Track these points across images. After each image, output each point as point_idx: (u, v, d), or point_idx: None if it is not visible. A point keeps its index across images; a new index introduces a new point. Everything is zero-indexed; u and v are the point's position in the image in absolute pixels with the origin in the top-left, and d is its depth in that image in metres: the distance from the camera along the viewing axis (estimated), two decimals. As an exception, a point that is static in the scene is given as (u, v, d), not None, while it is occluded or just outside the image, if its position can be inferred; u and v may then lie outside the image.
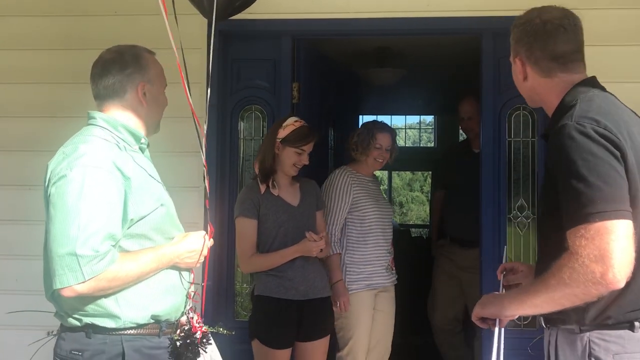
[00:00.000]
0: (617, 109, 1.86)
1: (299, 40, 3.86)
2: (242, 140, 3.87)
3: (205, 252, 2.20)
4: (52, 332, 2.20)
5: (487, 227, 3.68)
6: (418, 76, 6.10)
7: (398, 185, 20.16)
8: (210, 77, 2.37)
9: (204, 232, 2.22)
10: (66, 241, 1.89)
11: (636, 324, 1.78)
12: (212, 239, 2.25)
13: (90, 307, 2.00)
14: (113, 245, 1.96)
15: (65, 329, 2.08)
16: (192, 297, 2.22)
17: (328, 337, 3.43)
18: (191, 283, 2.23)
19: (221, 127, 3.76)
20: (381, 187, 4.14)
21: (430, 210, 5.48)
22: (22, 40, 3.79)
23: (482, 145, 3.76)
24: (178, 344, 2.11)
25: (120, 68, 2.16)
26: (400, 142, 3.83)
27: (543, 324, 1.96)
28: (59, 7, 3.77)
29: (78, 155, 1.99)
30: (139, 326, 2.05)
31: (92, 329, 2.02)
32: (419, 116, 13.91)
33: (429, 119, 13.41)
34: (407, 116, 12.75)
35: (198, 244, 2.18)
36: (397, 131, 4.12)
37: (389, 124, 4.08)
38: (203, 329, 2.16)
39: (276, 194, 3.33)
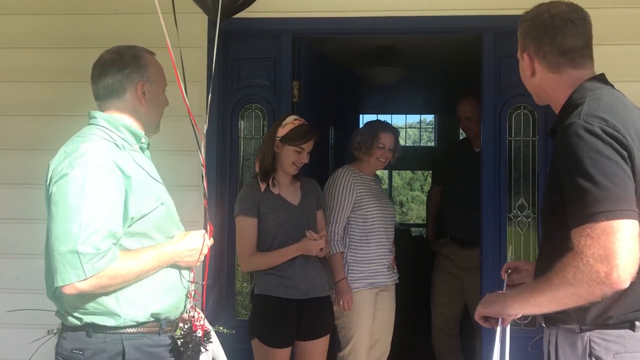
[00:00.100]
0: (626, 109, 1.84)
1: (300, 39, 3.86)
2: (242, 139, 3.87)
3: (205, 251, 2.21)
4: (52, 330, 2.21)
5: (488, 226, 3.68)
6: (418, 75, 6.10)
7: (398, 185, 20.17)
8: (208, 83, 2.37)
9: (203, 231, 2.23)
10: (68, 239, 1.90)
11: (637, 323, 1.78)
12: (211, 238, 2.26)
13: (91, 305, 2.01)
14: (114, 244, 1.97)
15: (66, 328, 2.09)
16: (192, 296, 2.23)
17: (328, 337, 3.43)
18: (191, 282, 2.23)
19: (221, 126, 3.76)
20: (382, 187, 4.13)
21: (426, 205, 5.45)
22: (22, 39, 3.79)
23: (482, 144, 3.76)
24: (179, 342, 2.11)
25: (119, 68, 2.18)
26: (401, 142, 3.83)
27: (543, 324, 1.96)
28: (59, 6, 3.77)
29: (79, 154, 2.01)
30: (139, 324, 2.06)
31: (92, 328, 2.03)
32: (419, 115, 13.93)
33: (430, 118, 13.42)
34: (407, 115, 12.75)
35: (198, 242, 2.19)
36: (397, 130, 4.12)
37: (389, 123, 4.09)
38: (204, 328, 2.16)
39: (276, 193, 3.33)
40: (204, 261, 2.25)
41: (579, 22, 1.94)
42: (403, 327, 4.70)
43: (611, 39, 3.36)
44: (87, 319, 2.02)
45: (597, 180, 1.66)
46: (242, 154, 3.87)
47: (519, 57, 2.04)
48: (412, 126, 14.69)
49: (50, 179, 2.02)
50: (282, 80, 3.79)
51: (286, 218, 3.31)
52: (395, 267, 3.86)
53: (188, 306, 2.21)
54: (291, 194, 3.39)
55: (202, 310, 2.29)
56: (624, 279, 1.63)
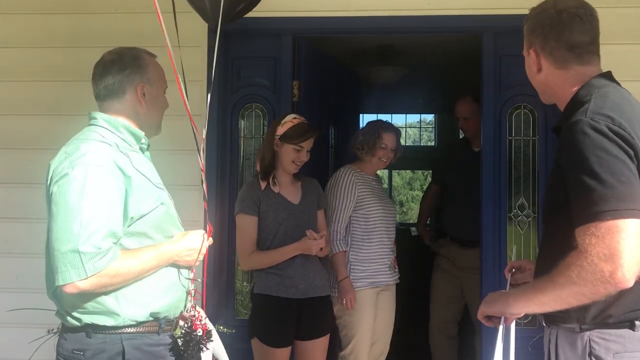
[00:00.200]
0: (632, 107, 1.83)
1: (300, 38, 3.86)
2: (242, 138, 3.86)
3: (204, 250, 2.22)
4: (53, 330, 2.22)
5: (488, 226, 3.68)
6: (419, 75, 6.10)
7: (398, 184, 20.17)
8: (214, 76, 2.37)
9: (203, 231, 2.24)
10: (68, 238, 1.91)
11: (637, 323, 1.78)
12: (210, 238, 2.26)
13: (91, 305, 2.02)
14: (115, 243, 1.98)
15: (66, 329, 2.09)
16: (192, 295, 2.23)
17: (328, 336, 3.43)
18: (192, 281, 2.23)
19: (221, 126, 3.76)
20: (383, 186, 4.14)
21: (421, 201, 5.43)
22: (22, 38, 3.79)
23: (482, 144, 3.76)
24: (179, 341, 2.12)
25: (120, 69, 2.19)
26: (401, 141, 3.83)
27: (543, 323, 1.96)
28: (59, 5, 3.77)
29: (80, 154, 2.02)
30: (138, 324, 2.07)
31: (92, 329, 2.03)
32: (419, 115, 13.92)
33: (430, 117, 13.42)
34: (407, 115, 12.75)
35: (197, 242, 2.20)
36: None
37: (391, 123, 4.09)
38: (205, 327, 2.17)
39: (276, 191, 3.33)
40: (203, 261, 2.25)
41: (587, 17, 1.92)
42: (403, 326, 4.69)
43: (616, 39, 3.36)
44: (87, 319, 2.03)
45: (602, 179, 1.65)
46: (242, 154, 3.87)
47: (524, 54, 2.03)
48: (412, 126, 14.70)
49: (51, 178, 2.02)
50: (282, 80, 3.79)
51: (286, 217, 3.31)
52: (397, 267, 3.87)
53: (188, 305, 2.21)
54: (292, 193, 3.39)
55: (202, 309, 2.29)
56: (629, 278, 1.62)
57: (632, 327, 1.78)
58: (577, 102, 1.86)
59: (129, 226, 2.06)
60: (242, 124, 3.86)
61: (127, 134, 2.19)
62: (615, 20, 3.40)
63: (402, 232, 7.19)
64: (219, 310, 3.64)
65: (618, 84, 1.94)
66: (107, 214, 1.97)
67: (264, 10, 3.25)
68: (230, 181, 3.80)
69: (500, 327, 1.94)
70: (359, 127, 7.16)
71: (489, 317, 1.99)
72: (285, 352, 3.29)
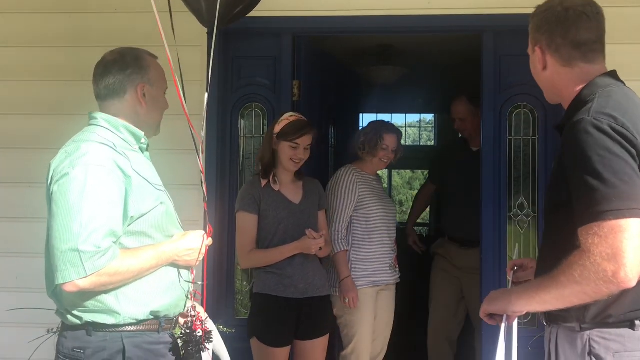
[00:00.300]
0: (636, 107, 1.82)
1: (300, 37, 3.86)
2: (242, 138, 3.86)
3: (203, 250, 2.22)
4: (52, 329, 2.22)
5: (488, 225, 3.68)
6: (418, 74, 6.10)
7: (398, 184, 20.17)
8: (209, 81, 2.37)
9: (202, 232, 2.24)
10: (68, 237, 1.92)
11: (637, 322, 1.78)
12: (210, 239, 2.27)
13: (91, 303, 2.02)
14: (114, 242, 1.99)
15: (66, 327, 2.10)
16: (193, 296, 2.24)
17: (327, 336, 3.43)
18: (192, 282, 2.24)
19: (221, 125, 3.75)
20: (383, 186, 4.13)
21: (414, 199, 5.41)
22: (22, 37, 3.79)
23: (482, 143, 3.76)
24: (179, 342, 2.12)
25: (121, 68, 2.20)
26: (401, 141, 3.83)
27: (544, 322, 1.96)
28: (59, 5, 3.77)
29: (80, 154, 2.02)
30: (139, 322, 2.07)
31: (92, 327, 2.04)
32: (419, 114, 13.92)
33: (429, 117, 13.41)
34: (407, 114, 12.75)
35: (197, 242, 2.20)
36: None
37: (387, 121, 4.09)
38: (204, 327, 2.17)
39: (277, 190, 3.33)
40: (202, 260, 2.25)
41: (593, 15, 1.92)
42: (403, 326, 4.69)
43: (621, 38, 3.35)
44: (87, 317, 2.04)
45: (605, 178, 1.65)
46: (242, 153, 3.87)
47: (529, 52, 2.02)
48: (412, 125, 14.69)
49: (52, 178, 2.03)
50: (282, 79, 3.79)
51: (286, 216, 3.31)
52: (397, 266, 3.87)
53: (189, 305, 2.22)
54: (292, 192, 3.39)
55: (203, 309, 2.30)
56: (632, 278, 1.62)
57: (632, 326, 1.78)
58: (580, 101, 1.86)
59: (129, 225, 2.06)
60: (242, 123, 3.86)
61: (127, 133, 2.19)
62: (621, 20, 3.40)
63: (402, 232, 7.19)
64: (219, 309, 3.64)
65: (623, 83, 1.93)
66: (107, 213, 1.97)
67: (264, 10, 3.25)
68: (230, 181, 3.80)
69: (503, 325, 1.94)
70: (359, 126, 7.17)
71: (491, 315, 1.99)
72: (284, 351, 3.29)
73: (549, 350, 1.90)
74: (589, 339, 1.80)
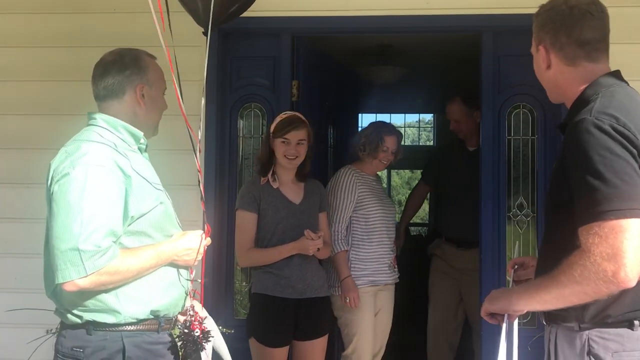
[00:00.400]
0: (639, 107, 1.82)
1: (299, 38, 3.86)
2: (241, 138, 3.87)
3: (202, 250, 2.23)
4: (51, 330, 2.22)
5: (487, 225, 3.68)
6: (418, 74, 6.09)
7: (397, 184, 20.18)
8: (207, 82, 2.38)
9: (201, 231, 2.25)
10: (69, 237, 1.92)
11: (635, 322, 1.78)
12: (209, 238, 2.27)
13: (91, 303, 2.03)
14: (114, 242, 1.99)
15: (65, 326, 2.10)
16: (192, 296, 2.24)
17: (326, 337, 3.43)
18: (191, 281, 2.24)
19: (220, 125, 3.75)
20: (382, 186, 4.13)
21: (407, 200, 5.37)
22: (21, 37, 3.79)
23: (481, 143, 3.76)
24: (177, 341, 2.12)
25: (120, 69, 2.21)
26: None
27: (543, 321, 1.96)
28: (58, 5, 3.77)
29: (81, 154, 2.03)
30: (139, 321, 2.08)
31: (92, 326, 2.04)
32: (418, 114, 13.92)
33: (428, 117, 13.42)
34: (406, 114, 12.75)
35: (196, 242, 2.21)
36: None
37: (387, 122, 4.10)
38: (202, 327, 2.17)
39: (275, 187, 3.33)
40: (201, 260, 2.25)
41: (598, 14, 1.91)
42: (402, 326, 4.68)
43: (622, 38, 3.35)
44: (87, 316, 2.04)
45: (606, 178, 1.65)
46: (241, 153, 3.87)
47: (533, 51, 2.02)
48: (411, 125, 14.70)
49: (52, 178, 2.03)
50: (282, 80, 3.79)
51: (285, 216, 3.31)
52: (396, 266, 3.88)
53: (187, 305, 2.22)
54: (293, 192, 3.39)
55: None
56: (632, 278, 1.62)
57: (630, 326, 1.78)
58: (583, 101, 1.86)
59: (129, 225, 2.07)
60: (241, 123, 3.86)
61: (126, 134, 2.20)
62: (625, 20, 3.39)
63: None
64: (218, 310, 3.64)
65: (626, 83, 1.93)
66: (107, 213, 1.98)
67: (263, 10, 3.25)
68: (229, 181, 3.80)
69: (504, 325, 1.94)
70: (358, 127, 7.17)
71: (492, 315, 1.99)
72: (283, 352, 3.29)
73: (549, 349, 1.90)
74: (588, 338, 1.80)
